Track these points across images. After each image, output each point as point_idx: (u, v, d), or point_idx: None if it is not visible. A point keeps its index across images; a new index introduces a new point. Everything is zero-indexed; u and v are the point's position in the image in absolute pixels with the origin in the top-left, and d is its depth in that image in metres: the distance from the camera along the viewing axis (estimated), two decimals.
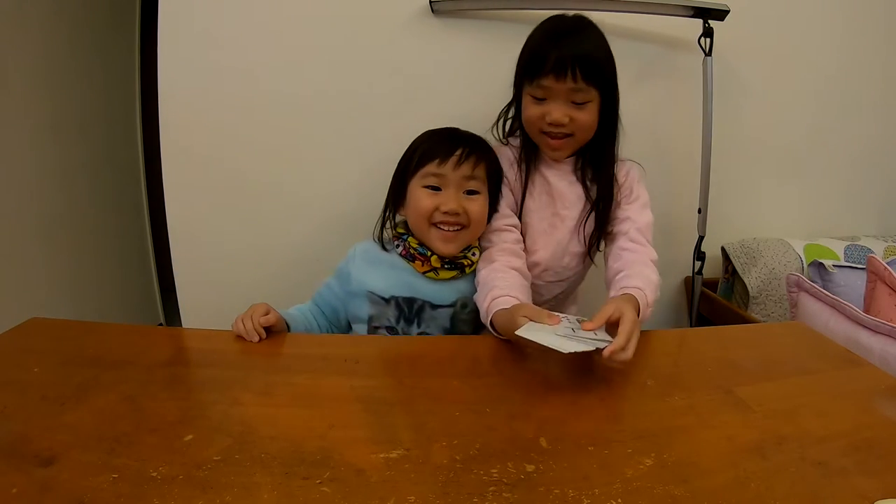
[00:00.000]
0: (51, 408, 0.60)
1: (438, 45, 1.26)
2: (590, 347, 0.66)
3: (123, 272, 2.07)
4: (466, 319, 0.94)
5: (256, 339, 0.77)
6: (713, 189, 1.33)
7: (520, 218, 1.01)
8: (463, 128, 0.98)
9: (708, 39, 1.26)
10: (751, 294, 1.47)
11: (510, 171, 1.01)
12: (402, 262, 0.94)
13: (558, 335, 0.67)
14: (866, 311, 1.18)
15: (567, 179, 1.01)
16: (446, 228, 0.90)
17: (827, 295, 1.22)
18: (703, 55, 1.27)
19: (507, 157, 1.02)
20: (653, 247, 0.96)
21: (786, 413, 0.63)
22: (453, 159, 0.89)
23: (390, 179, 0.96)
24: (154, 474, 0.50)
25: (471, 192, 0.91)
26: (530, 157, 1.00)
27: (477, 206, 0.91)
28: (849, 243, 1.52)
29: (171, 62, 1.19)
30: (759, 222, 1.59)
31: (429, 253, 0.93)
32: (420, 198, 0.91)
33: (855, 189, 1.64)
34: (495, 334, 0.81)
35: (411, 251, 0.93)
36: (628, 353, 0.67)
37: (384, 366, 0.72)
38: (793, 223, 1.61)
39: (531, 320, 0.71)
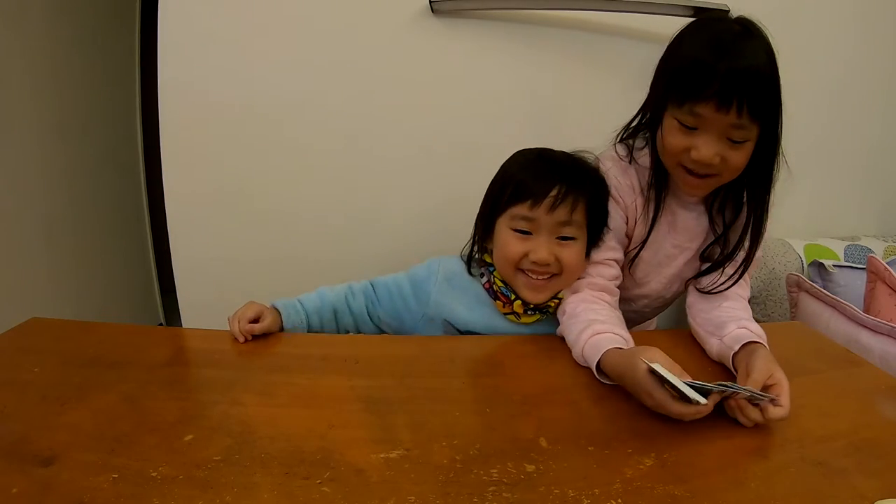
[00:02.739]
0: (51, 408, 0.60)
1: (438, 45, 1.26)
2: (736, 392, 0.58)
3: (123, 272, 2.07)
4: None
5: (242, 340, 0.77)
6: None
7: (637, 255, 0.87)
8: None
9: None
10: (751, 294, 1.47)
11: (633, 198, 0.85)
12: (487, 296, 0.86)
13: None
14: (866, 311, 1.18)
15: (696, 211, 0.86)
16: (535, 277, 0.80)
17: (827, 295, 1.22)
18: None
19: (631, 180, 0.84)
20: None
21: None
22: (547, 202, 0.77)
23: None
24: (154, 474, 0.49)
25: (566, 238, 0.80)
26: (661, 187, 0.83)
27: (572, 253, 0.80)
28: (849, 243, 1.52)
29: (171, 62, 1.19)
30: None
31: (512, 297, 0.83)
32: (507, 242, 0.80)
33: (855, 189, 1.64)
34: (598, 375, 0.69)
35: (495, 288, 0.84)
36: (785, 412, 0.60)
37: (384, 366, 0.72)
38: (793, 223, 1.60)
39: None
